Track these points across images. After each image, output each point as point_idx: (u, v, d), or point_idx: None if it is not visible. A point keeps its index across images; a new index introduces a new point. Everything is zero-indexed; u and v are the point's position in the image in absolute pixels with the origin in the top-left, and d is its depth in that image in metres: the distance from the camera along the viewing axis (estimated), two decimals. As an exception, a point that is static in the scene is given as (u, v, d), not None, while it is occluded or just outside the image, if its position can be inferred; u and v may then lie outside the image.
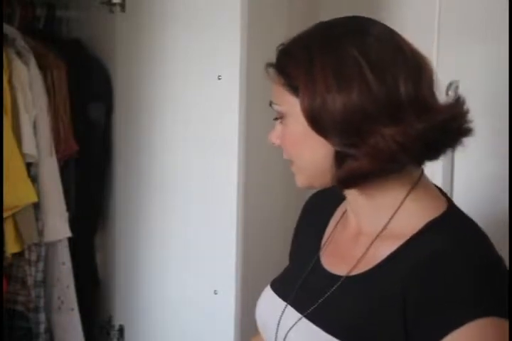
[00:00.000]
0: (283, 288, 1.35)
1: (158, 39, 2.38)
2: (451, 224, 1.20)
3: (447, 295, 1.10)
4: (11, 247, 2.38)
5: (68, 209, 2.50)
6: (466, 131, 1.19)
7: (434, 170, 1.91)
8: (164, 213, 2.41)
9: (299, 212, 1.48)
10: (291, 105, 1.18)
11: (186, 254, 2.32)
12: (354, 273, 1.23)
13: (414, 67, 1.16)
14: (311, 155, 1.20)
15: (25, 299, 2.44)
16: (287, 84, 1.18)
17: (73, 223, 2.51)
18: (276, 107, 1.22)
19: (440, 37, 1.92)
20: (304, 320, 1.24)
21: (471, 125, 1.19)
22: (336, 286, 1.24)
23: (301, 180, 1.25)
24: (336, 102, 1.13)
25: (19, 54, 2.43)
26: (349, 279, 1.23)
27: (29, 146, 2.39)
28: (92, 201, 2.68)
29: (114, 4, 2.52)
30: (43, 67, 2.48)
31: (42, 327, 2.46)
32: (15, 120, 2.37)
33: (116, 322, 2.61)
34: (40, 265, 2.46)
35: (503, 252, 1.69)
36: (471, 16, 1.85)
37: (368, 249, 1.23)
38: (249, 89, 2.02)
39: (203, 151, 2.20)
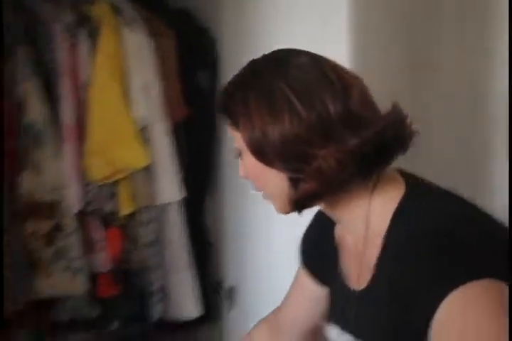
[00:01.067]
0: (334, 317, 1.46)
1: (264, 9, 2.41)
2: (411, 207, 1.27)
3: (427, 272, 1.17)
4: (124, 209, 2.47)
5: (179, 172, 2.57)
6: (407, 137, 1.26)
7: None
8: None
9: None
10: (241, 141, 1.28)
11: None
12: (362, 285, 1.32)
13: (341, 87, 1.24)
14: (271, 184, 1.29)
15: (138, 259, 2.52)
16: (231, 123, 1.29)
17: (184, 186, 2.57)
18: (234, 145, 1.33)
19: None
20: None
21: (411, 129, 1.26)
22: (355, 303, 1.35)
23: (277, 208, 1.33)
24: (273, 133, 1.22)
25: (128, 23, 2.50)
26: (360, 293, 1.33)
27: (141, 111, 2.47)
28: (202, 164, 2.74)
29: (222, -26, 2.55)
30: (151, 35, 2.55)
31: (155, 287, 2.53)
32: (126, 86, 2.46)
33: (227, 284, 2.65)
34: (153, 226, 2.53)
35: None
36: None
37: (361, 258, 1.33)
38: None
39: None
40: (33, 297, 2.39)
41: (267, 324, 1.70)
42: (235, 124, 1.28)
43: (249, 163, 1.30)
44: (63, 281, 2.42)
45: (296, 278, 1.62)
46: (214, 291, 2.66)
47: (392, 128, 1.25)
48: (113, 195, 2.47)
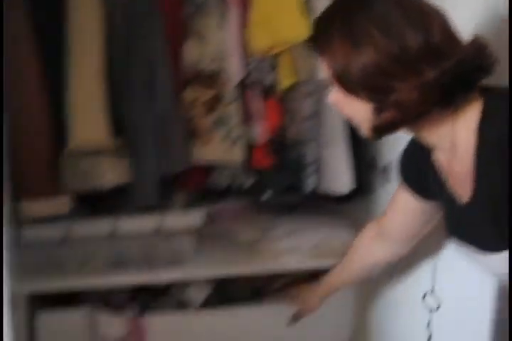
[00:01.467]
0: (450, 229, 1.60)
1: None
2: (490, 121, 1.36)
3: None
4: (284, 82, 2.49)
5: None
6: (489, 65, 1.35)
7: None
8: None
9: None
10: (328, 71, 1.41)
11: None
12: (467, 197, 1.45)
13: (421, 20, 1.32)
14: (355, 112, 1.43)
15: (295, 132, 2.55)
16: (319, 54, 1.41)
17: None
18: (324, 75, 1.45)
19: None
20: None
21: (494, 58, 1.34)
22: (464, 214, 1.48)
23: (364, 133, 1.47)
24: (355, 64, 1.34)
25: None
26: (467, 205, 1.46)
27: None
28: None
29: None
30: None
31: (310, 159, 2.56)
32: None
33: (381, 163, 2.65)
34: (311, 100, 2.54)
35: None
36: None
37: (459, 174, 1.45)
38: None
39: None
40: (191, 163, 2.50)
41: (373, 226, 1.94)
42: (322, 55, 1.40)
43: (337, 91, 1.42)
44: (221, 149, 2.50)
45: (397, 190, 1.78)
46: (368, 167, 2.67)
47: (473, 59, 1.33)
48: (273, 68, 2.48)
